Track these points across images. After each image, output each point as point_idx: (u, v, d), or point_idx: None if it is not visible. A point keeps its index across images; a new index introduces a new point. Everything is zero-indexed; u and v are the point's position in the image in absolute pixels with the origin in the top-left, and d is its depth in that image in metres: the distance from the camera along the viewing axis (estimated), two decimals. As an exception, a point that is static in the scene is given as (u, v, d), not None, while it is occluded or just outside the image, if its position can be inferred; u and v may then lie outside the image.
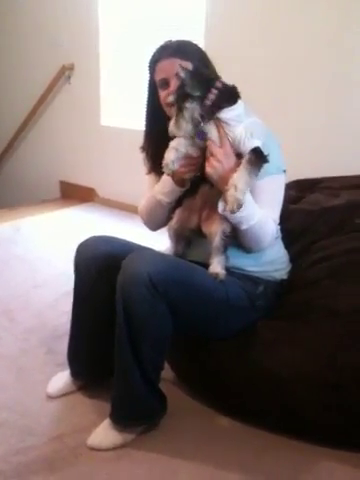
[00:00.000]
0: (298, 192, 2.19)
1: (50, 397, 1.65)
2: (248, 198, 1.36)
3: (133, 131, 3.65)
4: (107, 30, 3.70)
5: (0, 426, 1.52)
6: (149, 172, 1.62)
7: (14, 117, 4.48)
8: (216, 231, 1.42)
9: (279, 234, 1.62)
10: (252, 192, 1.40)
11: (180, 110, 1.31)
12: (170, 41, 1.49)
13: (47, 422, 1.54)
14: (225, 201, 1.33)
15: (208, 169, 1.35)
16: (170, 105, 1.40)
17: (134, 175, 3.42)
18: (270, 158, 1.35)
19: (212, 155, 1.35)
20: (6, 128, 4.60)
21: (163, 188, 1.51)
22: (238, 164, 1.34)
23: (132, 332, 1.33)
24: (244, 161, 1.32)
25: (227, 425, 1.54)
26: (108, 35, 3.71)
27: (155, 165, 1.57)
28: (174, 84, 1.40)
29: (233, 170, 1.32)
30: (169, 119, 1.43)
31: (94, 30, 3.71)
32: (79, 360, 1.65)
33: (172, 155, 1.36)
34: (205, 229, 1.47)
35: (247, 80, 3.06)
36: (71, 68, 3.95)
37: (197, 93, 1.30)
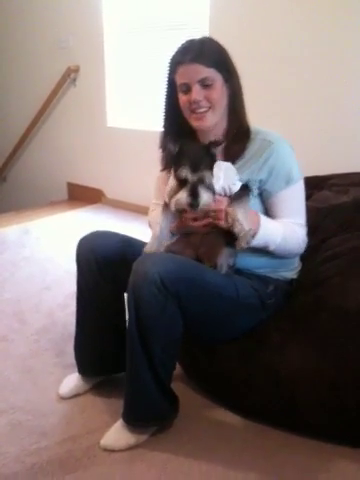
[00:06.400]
0: (306, 189, 2.17)
1: (62, 398, 1.66)
2: (266, 223, 1.41)
3: (139, 132, 3.67)
4: (112, 32, 3.71)
5: (13, 427, 1.53)
6: (165, 169, 1.62)
7: (20, 120, 4.50)
8: (221, 263, 1.44)
9: None
10: (277, 203, 1.46)
11: (201, 182, 1.29)
12: (192, 41, 1.43)
13: (59, 423, 1.55)
14: (237, 239, 1.34)
15: (222, 223, 1.35)
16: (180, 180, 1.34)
17: (141, 175, 3.45)
18: (289, 166, 1.45)
19: (214, 212, 1.34)
20: (13, 131, 4.63)
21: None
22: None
23: (143, 333, 1.33)
24: (235, 200, 1.36)
25: (240, 426, 1.54)
26: (113, 37, 3.72)
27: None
28: (196, 91, 1.40)
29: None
30: (184, 119, 1.46)
31: (99, 32, 3.72)
32: (84, 354, 1.67)
33: (158, 229, 1.41)
34: (207, 262, 1.47)
35: (252, 77, 3.07)
36: (76, 70, 3.97)
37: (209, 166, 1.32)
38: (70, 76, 4.01)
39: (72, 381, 1.69)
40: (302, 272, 1.67)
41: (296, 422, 1.48)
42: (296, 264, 1.64)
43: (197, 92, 1.40)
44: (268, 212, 1.49)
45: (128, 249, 1.55)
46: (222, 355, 1.56)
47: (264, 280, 1.54)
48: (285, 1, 2.74)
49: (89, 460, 1.40)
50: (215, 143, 1.32)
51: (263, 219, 1.41)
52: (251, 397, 1.52)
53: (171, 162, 1.36)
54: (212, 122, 1.46)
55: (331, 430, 1.45)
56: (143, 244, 1.59)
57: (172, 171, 1.35)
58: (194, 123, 1.47)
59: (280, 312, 1.59)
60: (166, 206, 1.41)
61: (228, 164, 1.41)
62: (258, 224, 1.39)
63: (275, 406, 1.48)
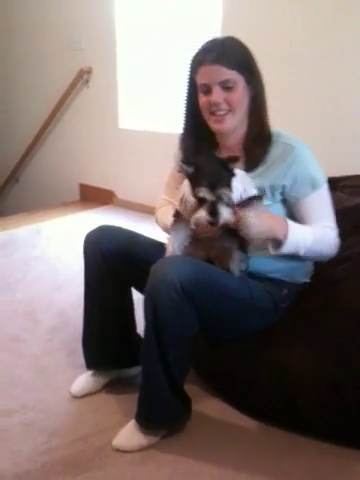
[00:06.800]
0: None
1: (74, 397, 1.67)
2: (295, 227, 1.39)
3: (151, 133, 3.68)
4: (124, 33, 3.72)
5: (25, 426, 1.54)
6: (181, 171, 1.62)
7: (33, 121, 4.53)
8: (233, 269, 1.43)
9: None
10: (306, 209, 1.44)
11: (220, 200, 1.25)
12: (214, 41, 1.40)
13: (71, 423, 1.56)
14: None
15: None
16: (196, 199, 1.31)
17: (153, 177, 3.45)
18: (313, 170, 1.43)
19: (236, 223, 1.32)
20: (25, 132, 4.66)
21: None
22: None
23: (160, 335, 1.33)
24: (245, 206, 1.33)
25: (251, 427, 1.53)
26: (125, 38, 3.73)
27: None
28: (216, 93, 1.38)
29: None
30: (204, 120, 1.45)
31: (111, 33, 3.74)
32: (91, 348, 1.69)
33: (170, 248, 1.40)
34: (219, 265, 1.46)
35: (272, 78, 3.07)
36: (89, 72, 3.98)
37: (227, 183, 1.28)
38: (83, 77, 4.03)
39: (83, 380, 1.70)
40: (316, 272, 1.66)
41: (298, 422, 1.49)
42: (311, 268, 1.63)
43: (217, 94, 1.38)
44: (296, 218, 1.46)
45: (133, 244, 1.57)
46: (224, 353, 1.58)
47: (278, 284, 1.53)
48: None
49: (101, 460, 1.40)
50: (233, 159, 1.29)
51: (291, 223, 1.39)
52: (252, 396, 1.53)
53: (189, 181, 1.33)
54: (231, 125, 1.44)
55: (331, 430, 1.44)
56: (149, 240, 1.62)
57: (190, 188, 1.32)
58: (213, 125, 1.46)
59: (291, 311, 1.59)
60: (177, 219, 1.39)
61: (242, 172, 1.39)
62: (286, 229, 1.37)
63: (275, 406, 1.49)
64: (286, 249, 1.38)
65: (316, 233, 1.43)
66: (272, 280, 1.52)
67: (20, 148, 4.75)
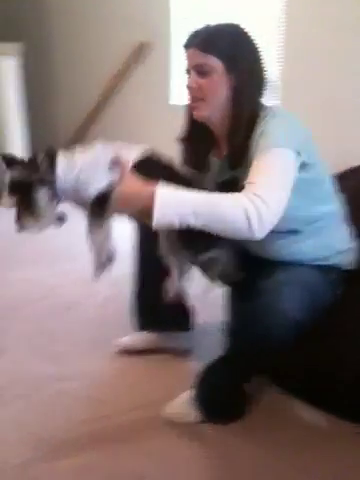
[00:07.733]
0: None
1: (116, 346, 1.78)
2: (166, 187, 1.20)
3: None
4: (179, 8, 3.67)
5: (76, 394, 1.59)
6: (183, 164, 1.53)
7: (87, 96, 4.54)
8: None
9: (336, 221, 1.47)
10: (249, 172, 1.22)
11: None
12: (206, 27, 1.31)
13: (122, 393, 1.60)
14: None
15: None
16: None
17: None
18: (271, 133, 1.23)
19: None
20: (81, 107, 4.67)
21: None
22: None
23: (253, 359, 1.34)
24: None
25: (302, 413, 1.51)
26: (180, 13, 3.68)
27: (190, 157, 1.55)
28: (191, 77, 1.31)
29: None
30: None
31: (166, 8, 3.69)
32: (140, 309, 1.76)
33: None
34: None
35: (322, 70, 2.95)
36: (144, 47, 3.95)
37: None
38: (137, 52, 3.99)
39: (129, 337, 1.79)
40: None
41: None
42: (342, 246, 1.47)
43: (192, 79, 1.31)
44: None
45: None
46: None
47: (326, 271, 1.42)
48: None
49: (148, 432, 1.42)
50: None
51: (162, 186, 1.20)
52: (311, 385, 1.52)
53: None
54: (206, 113, 1.34)
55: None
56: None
57: None
58: (192, 111, 1.38)
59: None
60: None
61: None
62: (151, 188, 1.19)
63: (334, 395, 1.47)
64: (162, 209, 1.16)
65: (212, 196, 1.19)
66: (320, 267, 1.42)
67: (72, 123, 4.79)
